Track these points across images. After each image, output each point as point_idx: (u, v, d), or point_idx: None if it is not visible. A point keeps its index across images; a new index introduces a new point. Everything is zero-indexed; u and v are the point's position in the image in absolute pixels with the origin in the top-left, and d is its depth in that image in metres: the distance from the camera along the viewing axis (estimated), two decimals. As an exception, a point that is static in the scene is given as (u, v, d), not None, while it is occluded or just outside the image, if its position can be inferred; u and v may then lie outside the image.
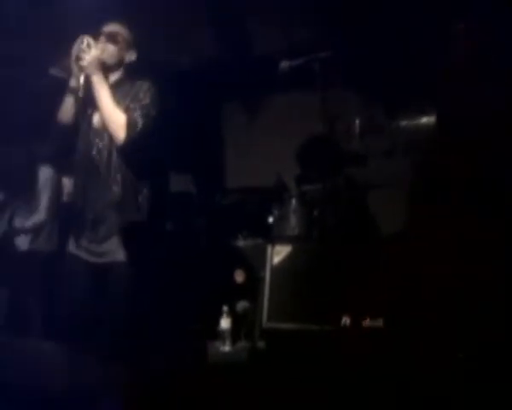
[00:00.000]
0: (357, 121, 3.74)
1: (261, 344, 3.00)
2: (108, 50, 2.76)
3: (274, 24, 3.95)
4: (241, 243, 3.79)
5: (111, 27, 2.81)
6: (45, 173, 3.78)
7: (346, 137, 3.69)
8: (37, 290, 3.62)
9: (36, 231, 3.71)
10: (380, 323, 2.79)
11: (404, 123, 3.78)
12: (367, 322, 2.82)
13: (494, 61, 2.77)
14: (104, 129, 2.73)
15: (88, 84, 2.69)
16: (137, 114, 2.69)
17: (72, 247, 2.80)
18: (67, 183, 3.69)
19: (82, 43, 2.67)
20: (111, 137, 2.71)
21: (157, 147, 2.92)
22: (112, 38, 2.77)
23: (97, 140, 2.75)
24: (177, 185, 4.27)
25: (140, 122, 2.68)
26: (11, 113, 3.71)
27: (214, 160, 4.68)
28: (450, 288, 2.57)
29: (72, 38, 2.73)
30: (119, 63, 2.82)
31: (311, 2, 3.80)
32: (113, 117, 2.66)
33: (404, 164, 3.63)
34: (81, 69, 2.68)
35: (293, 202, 3.39)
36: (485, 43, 2.79)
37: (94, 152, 2.75)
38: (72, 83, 2.72)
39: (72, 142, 2.80)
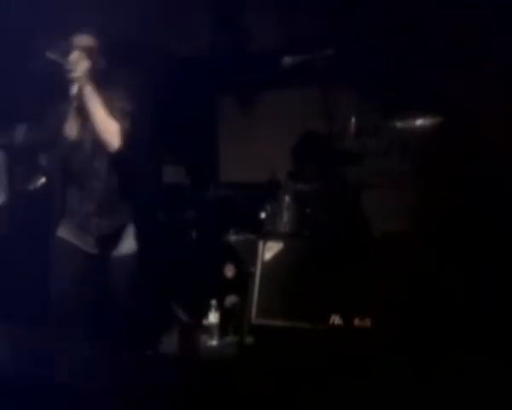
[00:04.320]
0: (354, 120, 3.73)
1: (249, 340, 2.99)
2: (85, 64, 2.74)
3: (276, 18, 3.94)
4: (232, 237, 3.77)
5: (84, 41, 2.78)
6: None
7: (341, 135, 3.67)
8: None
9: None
10: (368, 322, 2.79)
11: (399, 124, 3.77)
12: (356, 321, 2.81)
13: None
14: (88, 139, 2.78)
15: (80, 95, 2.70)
16: (125, 121, 2.75)
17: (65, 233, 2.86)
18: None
19: (72, 55, 2.67)
20: (95, 147, 2.77)
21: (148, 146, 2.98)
22: (87, 52, 2.74)
23: (78, 151, 2.80)
24: (170, 177, 4.25)
25: (129, 129, 2.75)
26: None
27: (208, 153, 4.66)
28: (441, 288, 2.57)
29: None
30: (94, 74, 2.77)
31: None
32: (108, 126, 2.71)
33: (398, 165, 3.64)
34: (73, 81, 2.69)
35: (287, 198, 3.37)
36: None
37: (76, 163, 2.80)
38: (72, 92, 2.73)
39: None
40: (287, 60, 3.15)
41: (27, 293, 3.18)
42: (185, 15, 4.04)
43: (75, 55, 2.68)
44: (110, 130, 2.71)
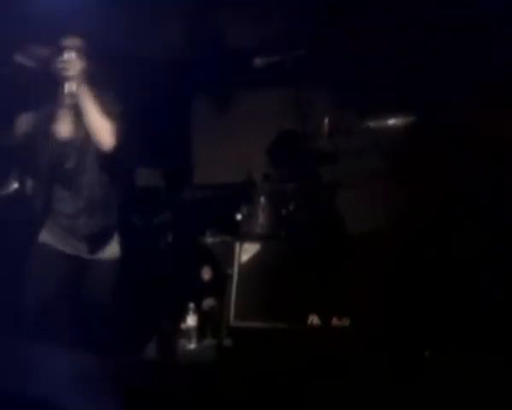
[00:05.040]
0: (327, 120, 3.75)
1: (227, 342, 2.99)
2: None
3: (250, 18, 3.95)
4: (208, 239, 3.75)
5: (75, 42, 2.77)
6: None
7: (316, 136, 3.69)
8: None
9: None
10: (346, 322, 2.82)
11: (372, 124, 3.81)
12: (334, 321, 2.84)
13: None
14: (80, 137, 2.78)
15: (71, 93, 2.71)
16: (117, 121, 2.75)
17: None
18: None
19: (67, 54, 2.67)
20: (84, 145, 2.77)
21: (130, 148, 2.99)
22: (79, 54, 2.74)
23: (69, 149, 2.79)
24: (145, 180, 4.22)
25: (122, 128, 2.76)
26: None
27: (183, 155, 4.64)
28: (418, 287, 2.61)
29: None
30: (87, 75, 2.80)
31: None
32: (101, 125, 2.72)
33: (372, 164, 3.66)
34: (67, 79, 2.69)
35: (262, 199, 3.38)
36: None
37: (66, 161, 2.79)
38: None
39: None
40: (259, 61, 3.16)
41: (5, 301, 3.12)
42: (158, 15, 4.02)
43: (71, 54, 2.67)
44: (104, 129, 2.71)
